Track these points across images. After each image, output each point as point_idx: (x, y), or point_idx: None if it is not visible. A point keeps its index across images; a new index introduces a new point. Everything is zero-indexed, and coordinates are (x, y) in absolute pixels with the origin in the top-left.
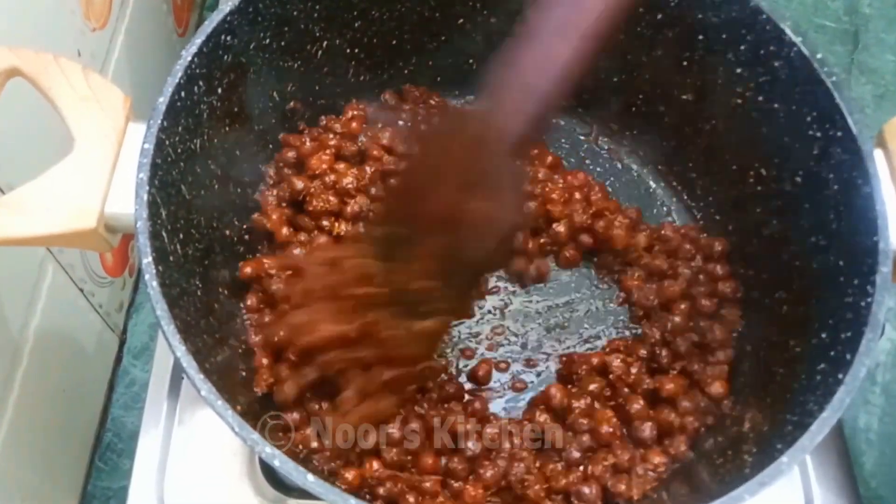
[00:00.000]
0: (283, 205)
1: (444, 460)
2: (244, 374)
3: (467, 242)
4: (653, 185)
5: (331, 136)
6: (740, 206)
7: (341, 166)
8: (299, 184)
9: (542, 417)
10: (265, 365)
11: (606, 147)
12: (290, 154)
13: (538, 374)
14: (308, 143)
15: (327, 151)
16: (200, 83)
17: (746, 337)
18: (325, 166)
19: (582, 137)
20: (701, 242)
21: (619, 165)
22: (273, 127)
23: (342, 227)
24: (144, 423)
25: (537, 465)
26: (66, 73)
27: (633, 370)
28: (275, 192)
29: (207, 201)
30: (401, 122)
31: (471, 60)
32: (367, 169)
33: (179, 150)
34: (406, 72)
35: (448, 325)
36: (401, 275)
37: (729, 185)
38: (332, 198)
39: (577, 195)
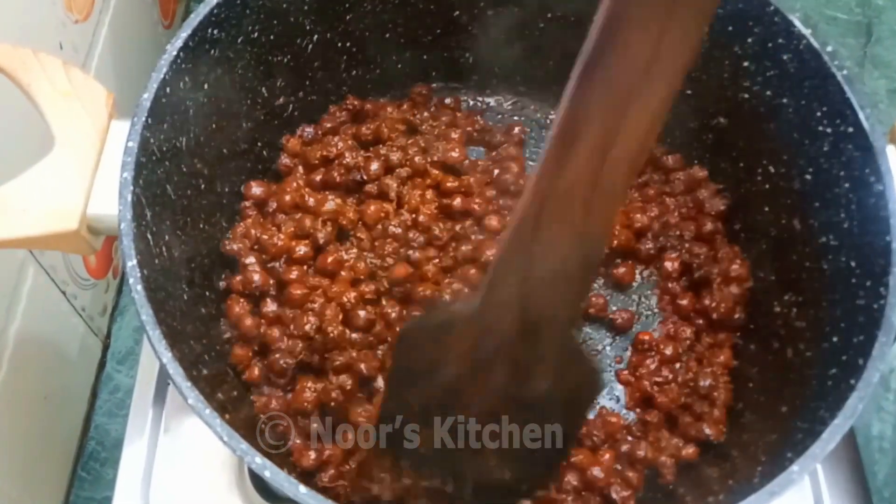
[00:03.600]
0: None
1: None
2: (233, 380)
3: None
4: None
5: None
6: (747, 205)
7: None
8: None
9: None
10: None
11: None
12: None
13: None
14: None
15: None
16: (186, 79)
17: (754, 341)
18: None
19: None
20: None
21: None
22: (262, 124)
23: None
24: (129, 431)
25: None
26: (45, 68)
27: None
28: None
29: (194, 201)
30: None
31: (467, 54)
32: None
33: (165, 149)
34: (399, 66)
35: None
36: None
37: (736, 183)
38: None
39: None
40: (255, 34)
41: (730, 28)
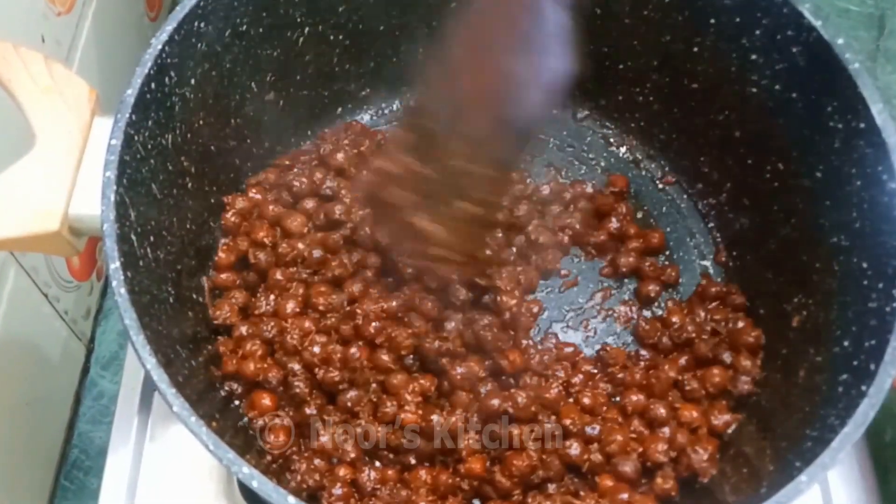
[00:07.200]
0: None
1: None
2: (220, 385)
3: (515, 108)
4: (659, 181)
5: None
6: (756, 204)
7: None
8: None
9: None
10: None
11: (610, 139)
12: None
13: None
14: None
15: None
16: (172, 74)
17: (763, 345)
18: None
19: (583, 127)
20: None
21: (624, 159)
22: (252, 120)
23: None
24: (113, 438)
25: None
26: (26, 63)
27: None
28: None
29: (180, 201)
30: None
31: None
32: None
33: (150, 146)
34: (395, 60)
35: (489, 212)
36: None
37: (743, 180)
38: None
39: None
40: (244, 27)
41: (737, 19)
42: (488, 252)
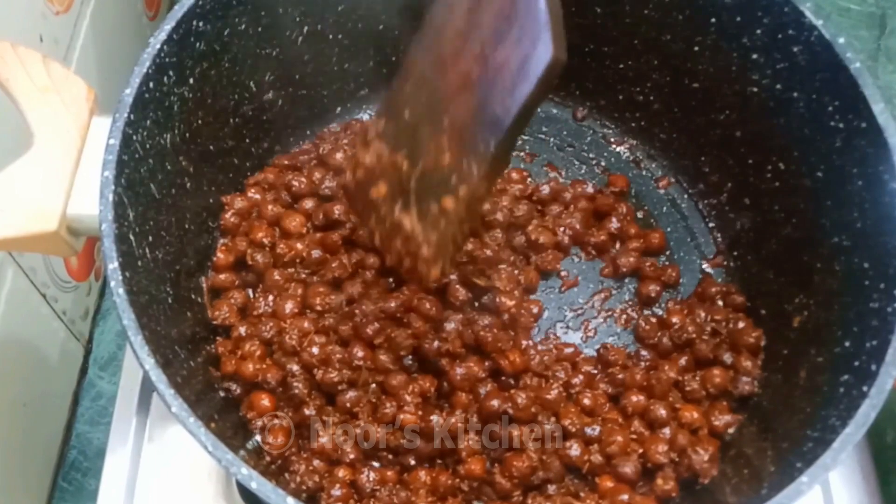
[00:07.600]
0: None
1: None
2: (219, 385)
3: (499, 98)
4: (659, 181)
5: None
6: (757, 204)
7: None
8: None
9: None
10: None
11: (612, 140)
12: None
13: None
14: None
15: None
16: (171, 73)
17: (764, 345)
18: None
19: (583, 127)
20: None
21: (624, 159)
22: (250, 119)
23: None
24: (112, 439)
25: None
26: (24, 62)
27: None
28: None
29: (179, 201)
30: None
31: None
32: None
33: (148, 146)
34: (394, 59)
35: (475, 202)
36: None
37: (744, 180)
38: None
39: None
40: (243, 26)
41: (738, 18)
42: (478, 252)
